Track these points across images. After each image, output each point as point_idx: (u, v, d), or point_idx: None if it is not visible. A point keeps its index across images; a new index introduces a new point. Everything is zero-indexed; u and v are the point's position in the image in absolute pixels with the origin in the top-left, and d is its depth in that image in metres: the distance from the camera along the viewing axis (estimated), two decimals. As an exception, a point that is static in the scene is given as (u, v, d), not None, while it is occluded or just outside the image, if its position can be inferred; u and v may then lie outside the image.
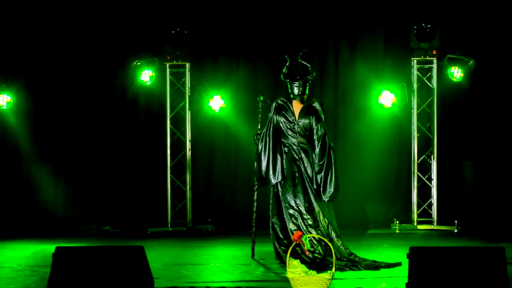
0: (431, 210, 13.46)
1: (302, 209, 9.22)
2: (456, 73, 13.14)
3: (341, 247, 9.19)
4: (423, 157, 13.54)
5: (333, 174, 9.18)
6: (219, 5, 13.82)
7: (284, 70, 9.47)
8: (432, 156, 13.46)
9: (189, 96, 13.69)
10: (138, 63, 13.45)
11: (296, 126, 9.32)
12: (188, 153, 13.73)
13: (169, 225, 13.61)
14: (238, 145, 13.82)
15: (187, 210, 13.68)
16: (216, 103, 13.55)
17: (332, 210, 9.33)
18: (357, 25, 13.80)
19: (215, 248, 11.31)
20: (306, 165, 9.29)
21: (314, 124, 9.26)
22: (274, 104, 9.42)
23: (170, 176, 13.71)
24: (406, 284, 6.50)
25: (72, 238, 12.57)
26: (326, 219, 9.19)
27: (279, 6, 13.76)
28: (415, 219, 13.39)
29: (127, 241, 12.11)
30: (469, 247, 6.80)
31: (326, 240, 7.67)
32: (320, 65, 13.82)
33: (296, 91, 9.41)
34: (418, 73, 13.47)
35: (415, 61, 13.41)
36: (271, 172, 9.31)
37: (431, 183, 13.48)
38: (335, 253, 8.39)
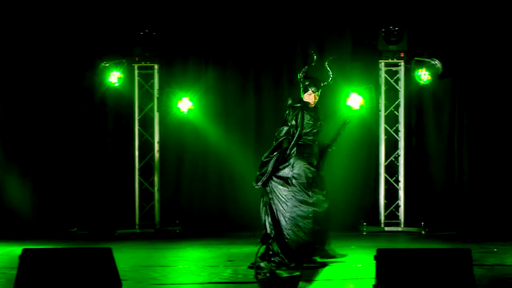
0: (398, 212, 13.51)
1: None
2: (424, 75, 13.20)
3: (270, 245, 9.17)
4: (390, 159, 13.60)
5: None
6: (188, 8, 13.80)
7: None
8: (399, 158, 13.52)
9: (157, 97, 13.64)
10: (106, 65, 13.38)
11: None
12: (157, 154, 13.69)
13: (137, 227, 13.56)
14: (206, 147, 13.80)
15: (155, 212, 13.64)
16: (185, 104, 13.52)
17: (278, 207, 9.24)
18: (325, 28, 13.84)
19: (183, 249, 11.30)
20: None
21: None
22: None
23: (138, 178, 13.65)
24: (374, 285, 6.54)
25: (39, 240, 12.48)
26: (263, 215, 9.28)
27: (248, 10, 13.76)
28: (382, 220, 13.45)
29: (95, 243, 12.05)
30: (436, 249, 6.85)
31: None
32: (289, 68, 13.85)
33: None
34: (386, 76, 13.53)
35: (383, 63, 13.46)
36: None
37: (398, 185, 13.54)
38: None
